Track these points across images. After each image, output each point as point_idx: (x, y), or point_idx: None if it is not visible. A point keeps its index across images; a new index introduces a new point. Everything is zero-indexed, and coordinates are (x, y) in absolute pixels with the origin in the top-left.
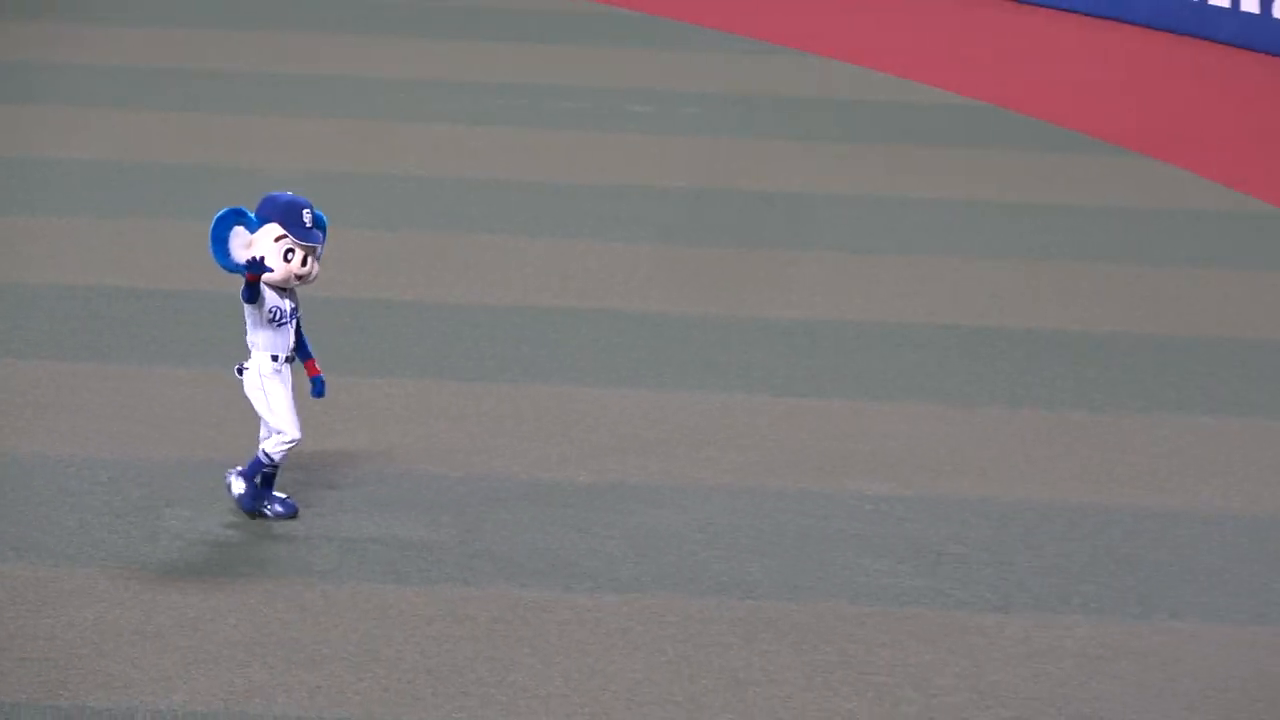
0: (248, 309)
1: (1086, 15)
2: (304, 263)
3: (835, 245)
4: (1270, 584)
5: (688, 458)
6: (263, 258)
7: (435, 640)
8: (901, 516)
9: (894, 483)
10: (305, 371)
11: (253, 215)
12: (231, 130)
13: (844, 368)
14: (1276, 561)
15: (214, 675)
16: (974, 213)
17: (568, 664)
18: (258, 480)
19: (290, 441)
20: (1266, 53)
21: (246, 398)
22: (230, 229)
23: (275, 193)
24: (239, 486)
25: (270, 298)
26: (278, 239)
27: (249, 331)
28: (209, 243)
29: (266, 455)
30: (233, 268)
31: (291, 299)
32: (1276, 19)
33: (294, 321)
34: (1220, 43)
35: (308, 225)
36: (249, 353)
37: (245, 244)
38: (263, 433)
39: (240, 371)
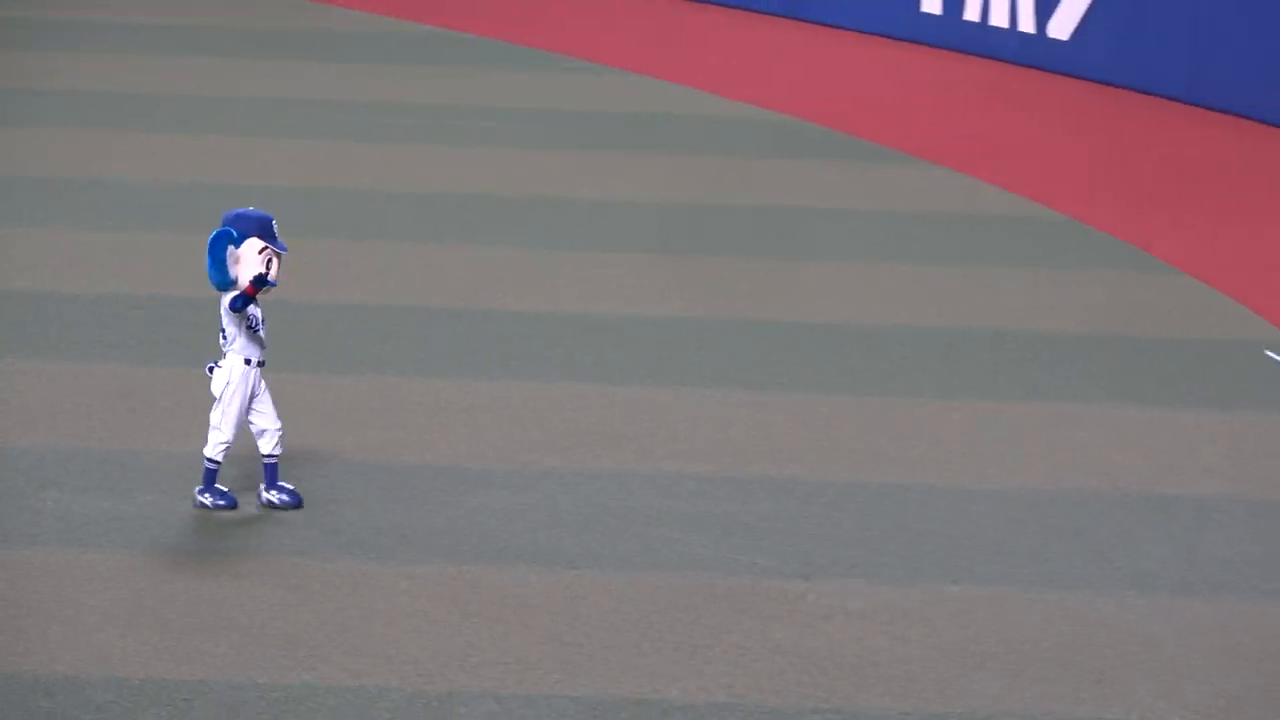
0: (230, 317)
1: (883, 36)
2: (274, 268)
3: (647, 248)
4: (1049, 554)
5: (520, 442)
6: (265, 273)
7: (281, 607)
8: (714, 494)
9: (708, 464)
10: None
11: (235, 233)
12: (82, 143)
13: (661, 358)
14: (1055, 534)
15: (85, 643)
16: (780, 217)
17: (408, 629)
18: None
19: (225, 442)
20: (1043, 69)
21: (211, 393)
22: (225, 249)
23: (241, 210)
24: (208, 500)
25: (251, 308)
26: (260, 251)
27: (227, 339)
28: (209, 262)
29: (208, 460)
30: (226, 284)
31: (259, 307)
32: (1051, 38)
33: (262, 328)
34: (1002, 60)
35: (277, 235)
36: (219, 354)
37: (235, 260)
38: (257, 435)
39: (211, 370)
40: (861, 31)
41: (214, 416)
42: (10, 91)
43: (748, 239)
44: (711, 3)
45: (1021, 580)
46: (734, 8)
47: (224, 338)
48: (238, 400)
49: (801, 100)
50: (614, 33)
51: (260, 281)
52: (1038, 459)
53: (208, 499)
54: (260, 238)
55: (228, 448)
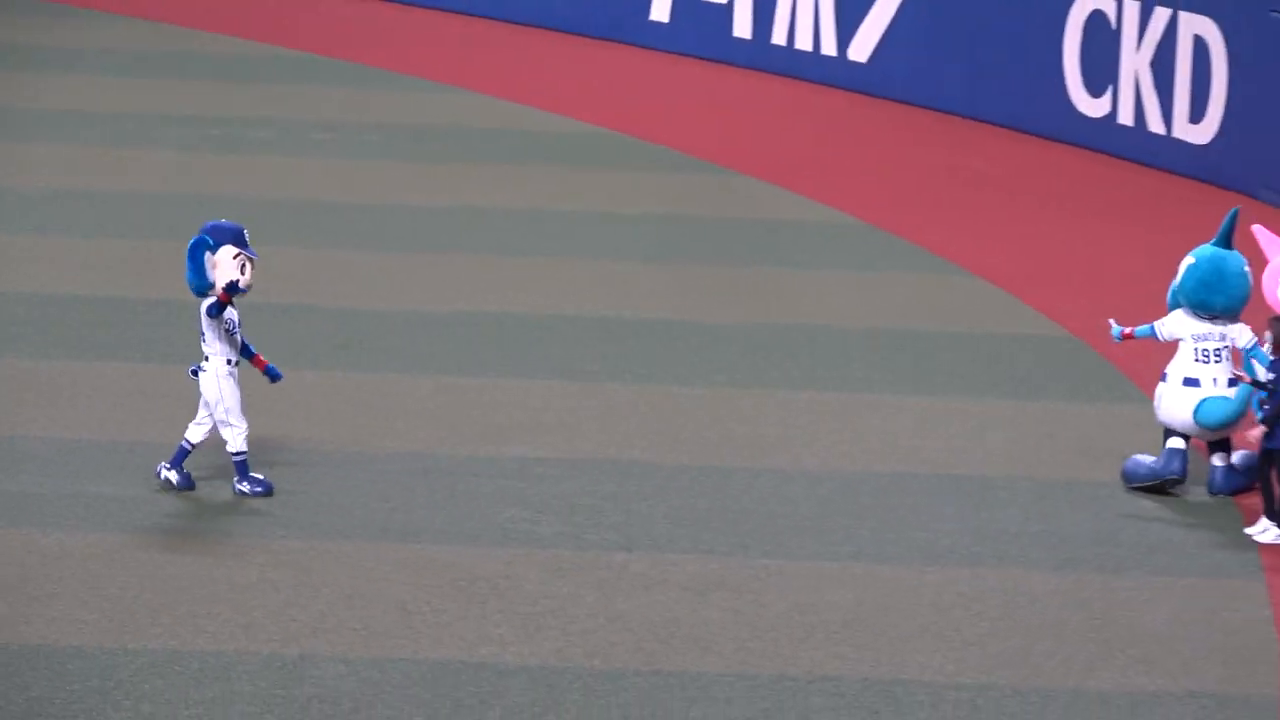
0: (207, 321)
1: (698, 58)
2: (246, 271)
3: (495, 249)
4: (858, 530)
5: (377, 430)
6: (238, 280)
7: (149, 579)
8: (542, 474)
9: (544, 448)
10: (255, 367)
11: (212, 241)
12: None
13: (503, 351)
14: (864, 512)
15: None
16: (602, 222)
17: (262, 599)
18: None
19: (244, 431)
20: (844, 88)
21: (201, 393)
22: (204, 255)
23: (216, 222)
24: (172, 476)
25: (228, 312)
26: (234, 257)
27: (206, 341)
28: (189, 267)
29: (190, 443)
30: (204, 288)
31: (236, 310)
32: (851, 60)
33: (239, 330)
34: (807, 80)
35: (248, 240)
36: (201, 356)
37: (212, 266)
38: (196, 419)
39: (195, 373)
40: (678, 54)
41: (218, 414)
42: None
43: (581, 240)
44: (541, 27)
45: (832, 554)
46: (563, 31)
47: (204, 340)
48: (231, 393)
49: (621, 115)
50: (449, 53)
51: (233, 288)
52: (846, 444)
53: (245, 486)
54: (234, 245)
55: (246, 435)
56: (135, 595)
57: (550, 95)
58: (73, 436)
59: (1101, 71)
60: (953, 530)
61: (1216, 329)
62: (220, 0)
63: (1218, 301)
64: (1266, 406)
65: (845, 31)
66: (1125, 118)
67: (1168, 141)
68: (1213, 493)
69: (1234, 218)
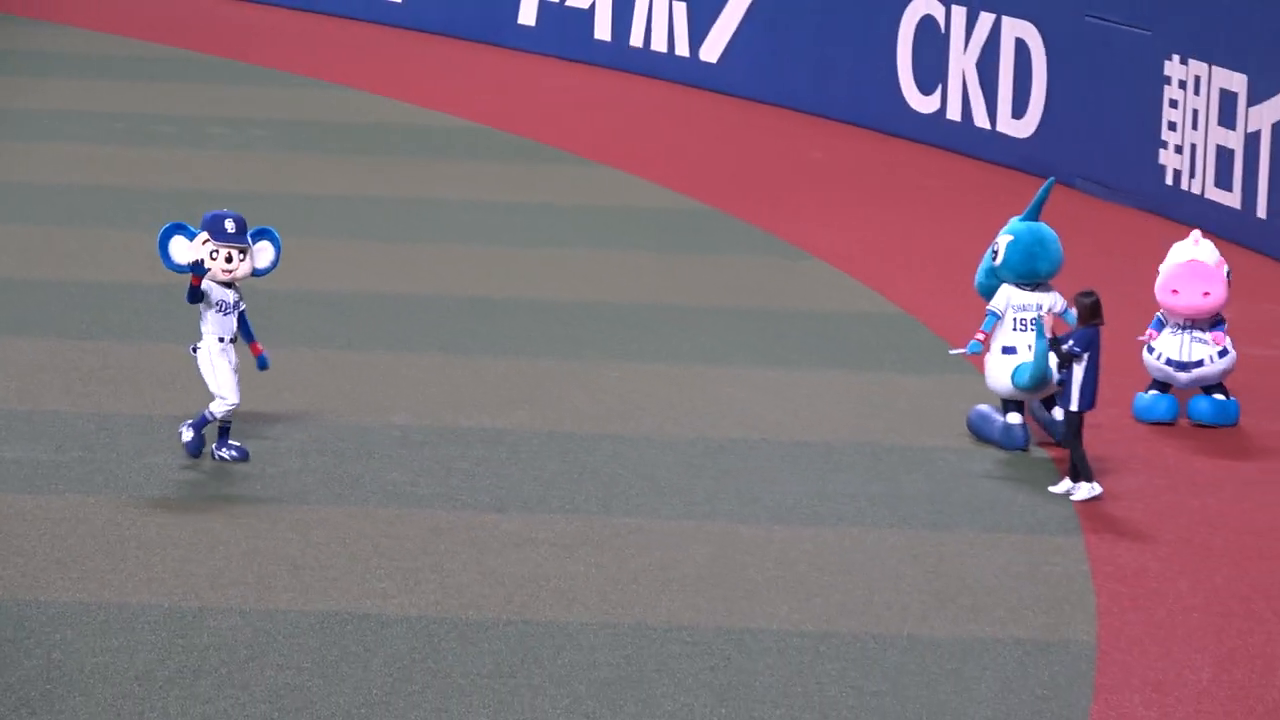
0: (204, 303)
1: (561, 58)
2: (229, 259)
3: (378, 236)
4: (712, 492)
5: (269, 401)
6: (201, 260)
7: (59, 536)
8: (423, 441)
9: (420, 417)
10: (250, 351)
11: (193, 229)
12: None
13: (385, 328)
14: (720, 475)
15: None
16: (475, 209)
17: (164, 556)
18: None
19: (231, 405)
20: (696, 86)
21: (198, 369)
22: (170, 239)
23: (210, 211)
24: (187, 435)
25: (217, 292)
26: (204, 243)
27: (202, 319)
28: (158, 250)
29: (211, 414)
30: (177, 269)
31: (236, 292)
32: (702, 60)
33: (236, 311)
34: (662, 79)
35: (229, 231)
36: (199, 335)
37: (185, 249)
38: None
39: (194, 350)
40: (544, 55)
41: (212, 388)
42: None
43: (452, 227)
44: (419, 30)
45: (690, 514)
46: (438, 34)
47: (201, 320)
48: (223, 366)
49: (490, 111)
50: (335, 54)
51: (198, 269)
52: (703, 413)
53: (225, 453)
54: (209, 232)
55: (233, 408)
56: (46, 552)
57: (426, 93)
58: None
59: (932, 71)
60: (798, 492)
61: (1034, 299)
62: (127, 6)
63: (1043, 268)
64: (1064, 370)
65: (697, 34)
66: (953, 113)
67: (992, 135)
68: (1020, 449)
69: (1049, 188)
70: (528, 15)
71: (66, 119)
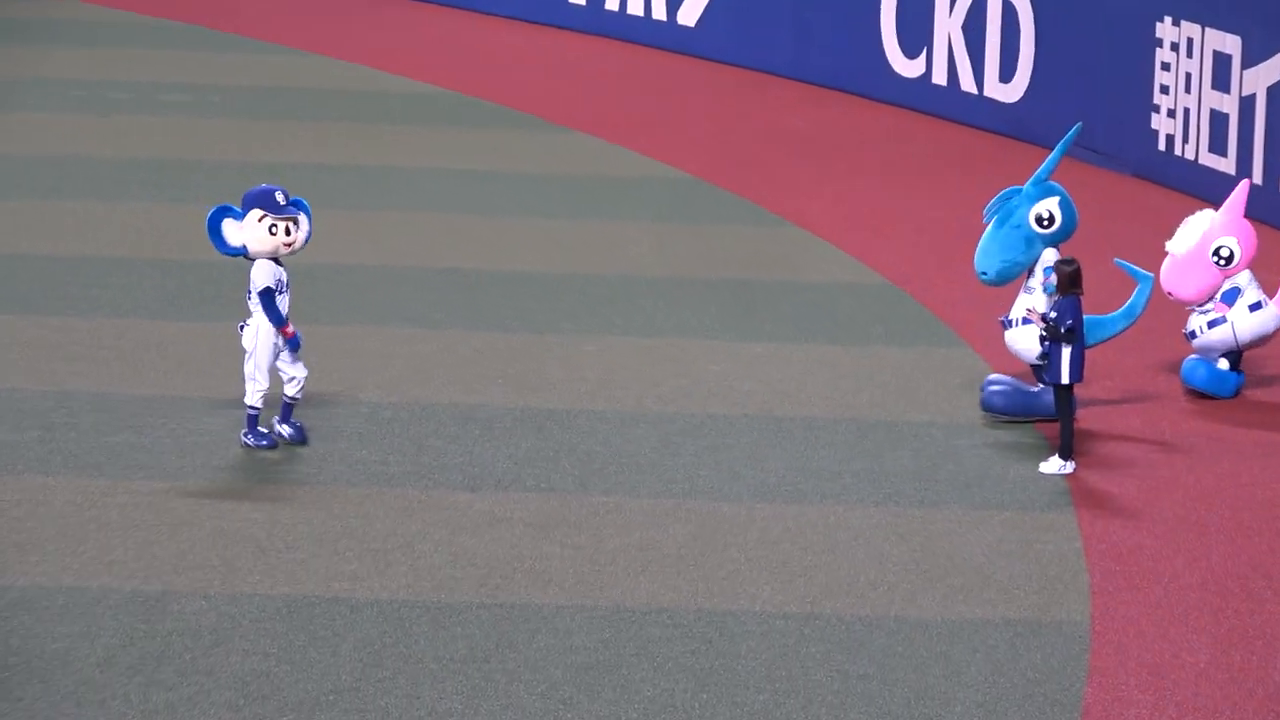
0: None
1: (533, 23)
2: (287, 232)
3: (342, 205)
4: (692, 470)
5: (233, 377)
6: (244, 244)
7: (18, 520)
8: (392, 419)
9: (389, 394)
10: (282, 334)
11: (239, 210)
12: None
13: (354, 301)
14: (700, 452)
15: None
16: (444, 177)
17: (125, 538)
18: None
19: (263, 389)
20: (673, 51)
21: (242, 347)
22: (221, 222)
23: (252, 188)
24: (251, 441)
25: (276, 271)
26: (260, 219)
27: (251, 299)
28: (209, 235)
29: (253, 407)
30: (232, 252)
31: (285, 270)
32: (680, 24)
33: (289, 290)
34: (638, 44)
35: (282, 203)
36: (247, 313)
37: (237, 230)
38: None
39: (242, 328)
40: (515, 19)
41: (248, 369)
42: None
43: (420, 196)
44: None
45: (669, 492)
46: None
47: (249, 297)
48: (265, 352)
49: (461, 77)
50: (295, 18)
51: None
52: (683, 388)
53: (250, 440)
54: (261, 208)
55: (264, 394)
56: (4, 535)
57: (394, 58)
58: None
59: (917, 34)
60: (781, 469)
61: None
62: None
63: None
64: (1048, 344)
65: None
66: (939, 77)
67: (979, 100)
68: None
69: (1073, 137)
70: None
71: (19, 88)
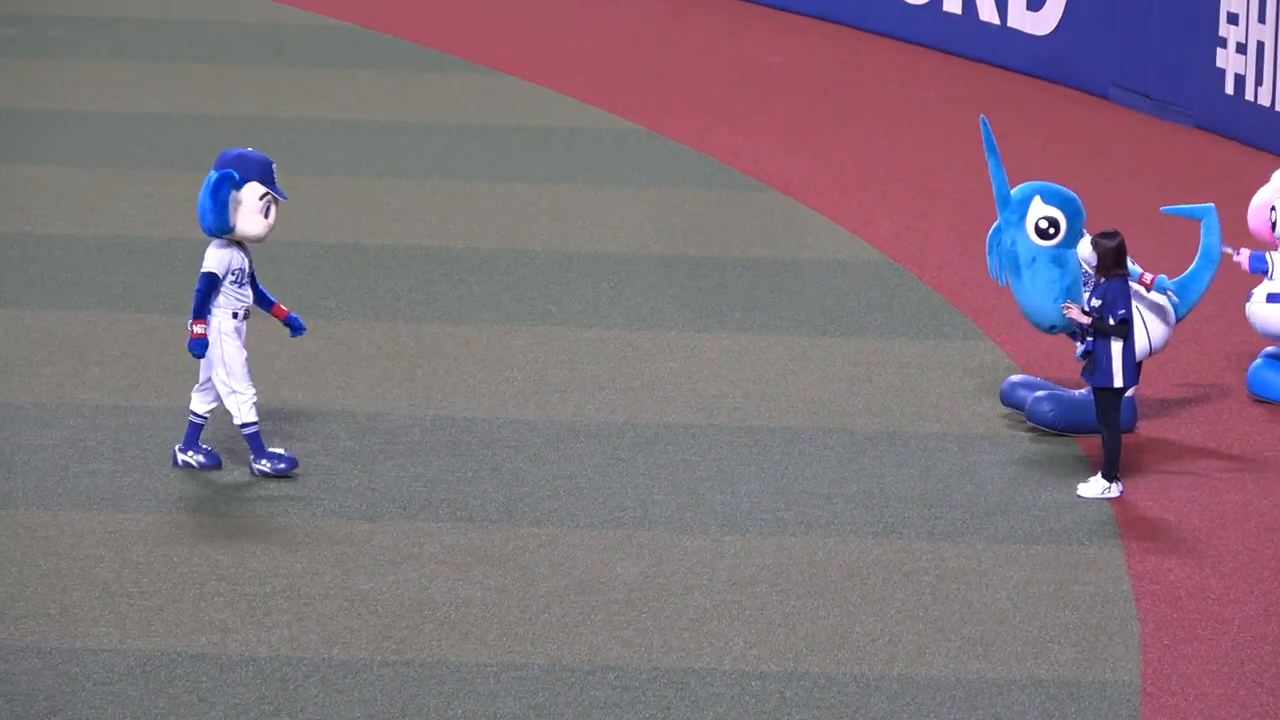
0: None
1: None
2: (272, 215)
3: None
4: (645, 493)
5: (72, 376)
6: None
7: None
8: (271, 430)
9: (268, 399)
10: (275, 317)
11: (238, 176)
12: None
13: None
14: (654, 471)
15: None
16: (345, 130)
17: None
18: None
19: (251, 399)
20: None
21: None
22: (229, 192)
23: (240, 150)
24: (264, 466)
25: (234, 259)
26: (261, 197)
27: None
28: (211, 206)
29: (246, 425)
30: (226, 229)
31: (249, 255)
32: None
33: (251, 277)
34: None
35: (276, 181)
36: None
37: (235, 204)
38: (197, 385)
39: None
40: None
41: (220, 378)
42: None
43: (310, 154)
44: None
45: (616, 520)
46: None
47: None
48: (234, 354)
49: (360, 6)
50: None
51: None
52: (634, 392)
53: (266, 464)
54: (261, 183)
55: (256, 403)
56: None
57: None
58: None
59: None
60: (756, 492)
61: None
62: None
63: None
64: (1090, 339)
65: None
66: (952, 5)
67: (1002, 32)
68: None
69: (988, 131)
70: None
71: None
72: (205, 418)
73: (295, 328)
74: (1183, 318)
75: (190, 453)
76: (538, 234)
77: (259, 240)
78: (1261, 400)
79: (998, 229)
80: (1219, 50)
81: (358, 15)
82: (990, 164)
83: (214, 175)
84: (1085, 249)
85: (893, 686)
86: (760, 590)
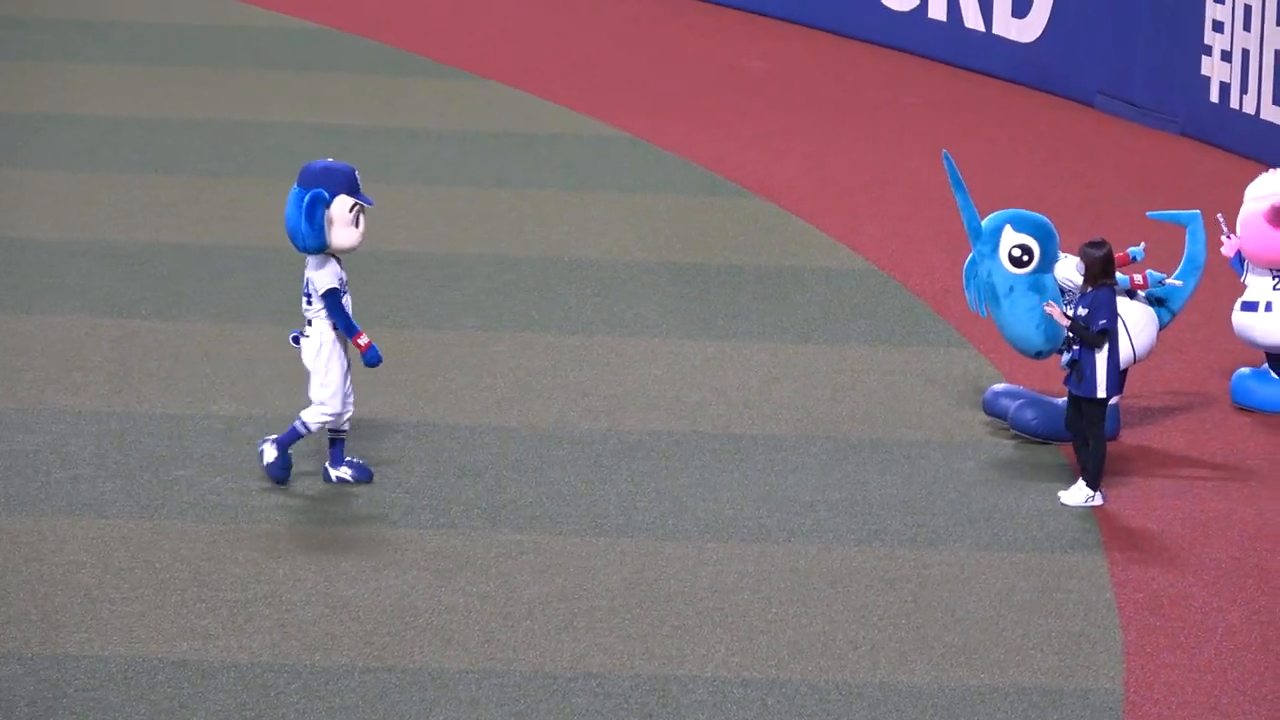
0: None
1: None
2: (361, 226)
3: (190, 170)
4: (627, 500)
5: (48, 385)
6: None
7: None
8: (253, 434)
9: (249, 405)
10: (354, 345)
11: (328, 194)
12: None
13: (197, 291)
14: (637, 478)
15: None
16: (323, 134)
17: None
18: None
19: (331, 415)
20: None
21: (304, 364)
22: (323, 213)
23: (324, 162)
24: (270, 454)
25: (340, 270)
26: (350, 209)
27: (311, 304)
28: (308, 230)
29: (305, 425)
30: (322, 247)
31: (343, 267)
32: None
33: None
34: None
35: (361, 188)
36: (303, 321)
37: (328, 221)
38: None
39: (296, 340)
40: None
41: (315, 392)
42: None
43: (288, 158)
44: None
45: (597, 527)
46: None
47: (307, 302)
48: (337, 366)
49: (339, 10)
50: None
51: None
52: (617, 399)
53: (344, 471)
54: (349, 194)
55: (332, 420)
56: None
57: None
58: None
59: None
60: (738, 499)
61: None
62: None
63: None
64: (1075, 347)
65: None
66: (936, 11)
67: (986, 39)
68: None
69: (952, 166)
70: None
71: None
72: (345, 430)
73: (371, 360)
74: (1166, 325)
75: (342, 468)
76: (520, 240)
77: (352, 251)
78: (1245, 409)
79: (973, 261)
80: (1204, 58)
81: (342, 20)
82: (958, 199)
83: (304, 196)
84: (1063, 270)
85: (875, 694)
86: (743, 597)
